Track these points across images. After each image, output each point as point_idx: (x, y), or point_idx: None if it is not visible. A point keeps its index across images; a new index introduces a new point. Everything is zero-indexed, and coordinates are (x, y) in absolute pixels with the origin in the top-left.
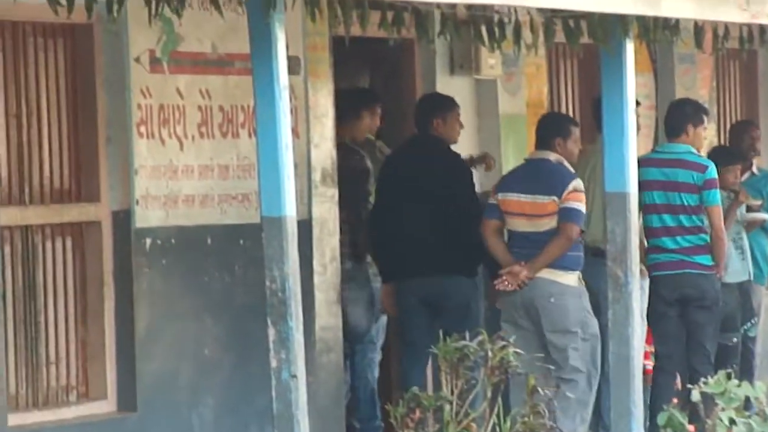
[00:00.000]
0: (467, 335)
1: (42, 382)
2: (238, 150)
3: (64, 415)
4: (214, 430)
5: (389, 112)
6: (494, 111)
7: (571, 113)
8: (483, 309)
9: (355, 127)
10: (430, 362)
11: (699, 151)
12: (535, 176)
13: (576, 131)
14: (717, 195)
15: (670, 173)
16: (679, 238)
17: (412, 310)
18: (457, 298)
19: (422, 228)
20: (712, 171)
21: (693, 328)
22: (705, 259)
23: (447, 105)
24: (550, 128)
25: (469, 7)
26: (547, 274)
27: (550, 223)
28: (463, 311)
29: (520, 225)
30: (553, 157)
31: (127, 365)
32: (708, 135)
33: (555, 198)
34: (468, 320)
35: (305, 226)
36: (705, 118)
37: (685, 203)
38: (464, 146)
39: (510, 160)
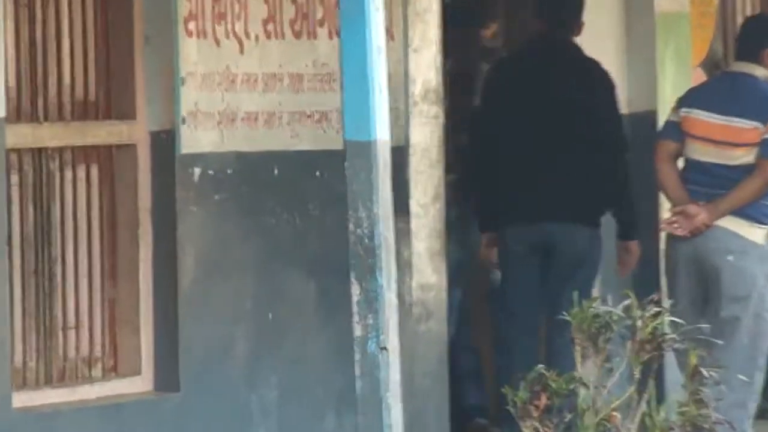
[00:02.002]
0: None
1: (57, 352)
2: (315, 54)
3: (85, 395)
4: (278, 415)
5: (517, 12)
6: (649, 8)
7: (745, 13)
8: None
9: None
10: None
11: None
12: (734, 94)
13: None
14: None
15: None
16: None
17: (518, 264)
18: (572, 252)
19: (539, 159)
20: None
21: None
22: None
23: None
24: (758, 35)
25: None
26: (728, 223)
27: (744, 157)
28: (575, 270)
29: (704, 153)
30: (761, 72)
31: (167, 332)
32: None
33: (759, 125)
34: (578, 281)
35: (401, 155)
36: None
37: None
38: (610, 52)
39: (668, 73)
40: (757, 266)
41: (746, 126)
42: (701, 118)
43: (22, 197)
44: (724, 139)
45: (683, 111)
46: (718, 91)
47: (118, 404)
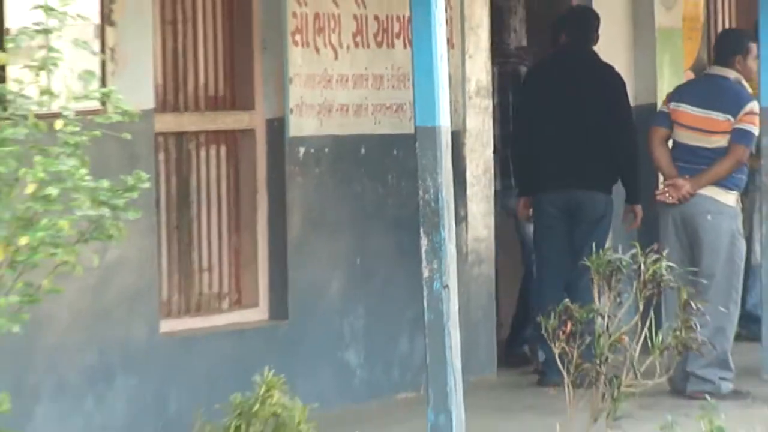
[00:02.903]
0: (593, 246)
1: (194, 289)
2: (392, 60)
3: (215, 323)
4: (364, 339)
5: (546, 21)
6: (650, 24)
7: (726, 28)
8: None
9: None
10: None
11: None
12: (712, 92)
13: (754, 48)
14: None
15: None
16: None
17: (551, 221)
18: (592, 212)
19: (567, 141)
20: None
21: None
22: None
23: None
24: (730, 45)
25: None
26: (706, 191)
27: (720, 141)
28: (594, 226)
29: (690, 138)
30: (732, 75)
31: (278, 273)
32: None
33: (730, 117)
34: (595, 235)
35: (459, 138)
36: None
37: None
38: (620, 60)
39: (665, 75)
40: (730, 222)
41: (721, 118)
42: (687, 111)
43: (167, 170)
44: (704, 127)
45: (672, 104)
46: (699, 89)
47: (241, 330)
